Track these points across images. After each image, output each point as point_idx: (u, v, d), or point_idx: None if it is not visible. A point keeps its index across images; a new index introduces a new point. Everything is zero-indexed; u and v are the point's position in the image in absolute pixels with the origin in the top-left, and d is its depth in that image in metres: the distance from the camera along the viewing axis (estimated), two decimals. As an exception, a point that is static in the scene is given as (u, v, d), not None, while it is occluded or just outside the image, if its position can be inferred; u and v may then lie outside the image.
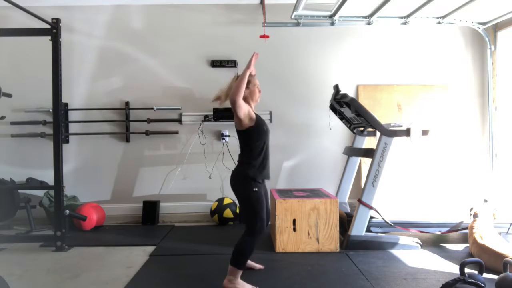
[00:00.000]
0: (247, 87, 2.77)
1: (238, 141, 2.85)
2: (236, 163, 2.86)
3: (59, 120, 3.67)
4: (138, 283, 2.85)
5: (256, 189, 2.70)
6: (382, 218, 3.66)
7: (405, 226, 3.70)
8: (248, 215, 2.76)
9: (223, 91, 2.87)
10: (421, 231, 3.70)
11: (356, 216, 3.59)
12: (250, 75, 2.78)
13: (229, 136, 4.82)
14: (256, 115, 2.79)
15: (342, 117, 4.30)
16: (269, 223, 3.13)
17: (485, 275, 2.69)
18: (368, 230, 3.65)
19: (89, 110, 4.80)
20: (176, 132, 4.84)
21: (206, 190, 4.86)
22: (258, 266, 3.10)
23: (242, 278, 2.74)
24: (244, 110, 2.67)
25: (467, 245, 3.52)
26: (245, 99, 2.77)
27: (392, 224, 3.65)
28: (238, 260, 2.67)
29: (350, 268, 3.12)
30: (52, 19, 3.65)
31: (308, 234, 3.53)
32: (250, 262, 3.06)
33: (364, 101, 4.74)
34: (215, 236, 4.12)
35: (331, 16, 4.38)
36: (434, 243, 3.78)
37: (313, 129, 4.91)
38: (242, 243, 2.71)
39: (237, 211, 4.54)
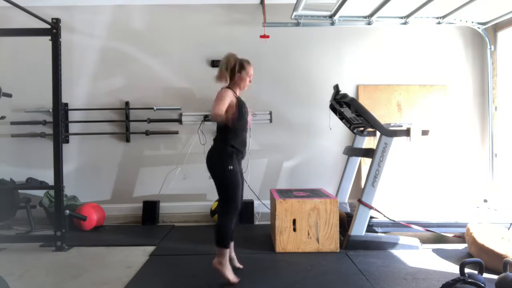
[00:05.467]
0: (239, 72, 2.83)
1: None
2: (213, 141, 2.85)
3: (59, 120, 3.67)
4: (138, 283, 2.85)
5: (232, 167, 2.72)
6: (384, 216, 3.66)
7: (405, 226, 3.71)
8: (222, 194, 2.80)
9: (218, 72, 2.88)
10: (427, 230, 3.70)
11: (356, 216, 3.60)
12: (247, 62, 2.86)
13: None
14: (237, 98, 2.80)
15: (342, 117, 4.30)
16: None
17: (485, 275, 2.70)
18: (369, 230, 3.65)
19: (89, 110, 4.81)
20: (176, 132, 4.84)
21: (206, 190, 4.86)
22: (238, 264, 3.09)
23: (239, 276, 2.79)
24: (225, 108, 2.68)
25: (467, 245, 3.51)
26: (234, 84, 2.84)
27: (394, 220, 3.66)
28: (221, 240, 2.77)
29: (350, 268, 3.12)
30: (52, 19, 3.65)
31: (308, 234, 3.53)
32: (232, 255, 3.05)
33: (364, 101, 4.74)
34: (215, 236, 4.11)
35: (331, 16, 4.38)
36: (434, 243, 3.78)
37: (313, 129, 4.91)
38: (221, 224, 2.79)
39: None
